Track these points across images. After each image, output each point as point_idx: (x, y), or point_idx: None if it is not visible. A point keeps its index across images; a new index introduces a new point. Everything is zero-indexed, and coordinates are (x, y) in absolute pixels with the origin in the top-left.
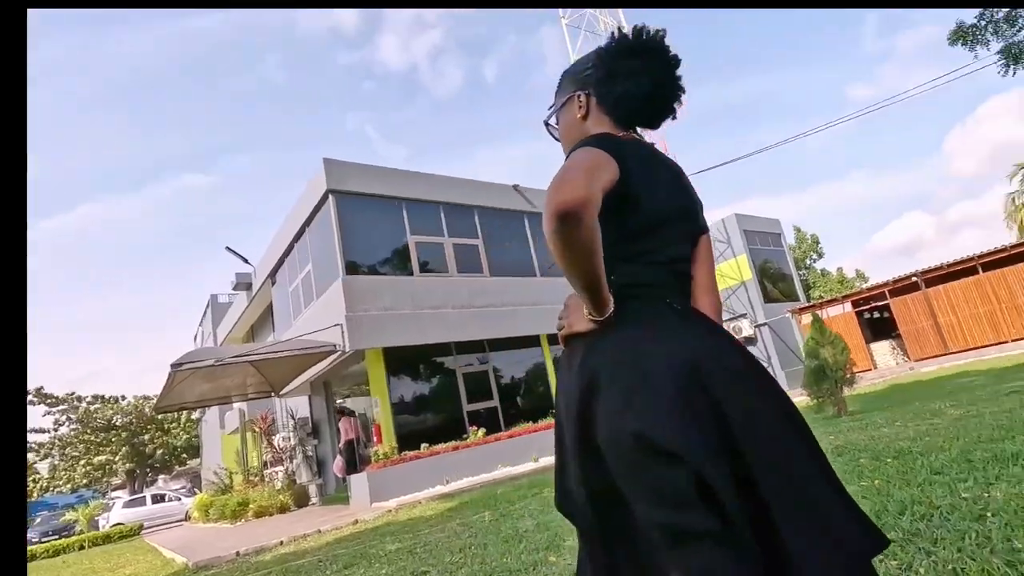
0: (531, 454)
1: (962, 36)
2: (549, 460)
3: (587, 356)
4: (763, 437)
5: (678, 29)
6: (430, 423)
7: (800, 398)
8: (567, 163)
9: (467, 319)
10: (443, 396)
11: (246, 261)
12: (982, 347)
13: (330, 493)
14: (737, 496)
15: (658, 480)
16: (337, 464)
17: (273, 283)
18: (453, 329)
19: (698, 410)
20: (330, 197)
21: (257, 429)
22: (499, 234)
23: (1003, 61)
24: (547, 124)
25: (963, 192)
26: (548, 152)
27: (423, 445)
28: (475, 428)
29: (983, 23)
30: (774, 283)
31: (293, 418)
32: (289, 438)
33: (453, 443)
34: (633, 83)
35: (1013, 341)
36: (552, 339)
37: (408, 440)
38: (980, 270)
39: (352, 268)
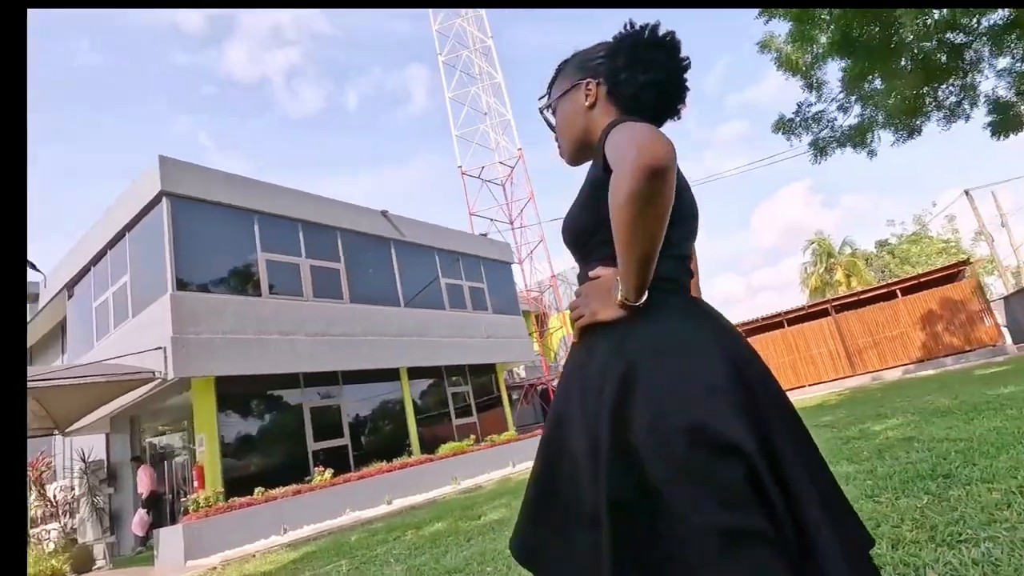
0: (384, 496)
1: (783, 127)
2: (405, 501)
3: (621, 346)
4: (787, 435)
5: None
6: (269, 464)
7: None
8: (635, 128)
9: (320, 347)
10: (286, 433)
11: (35, 268)
12: (787, 390)
13: (125, 554)
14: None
15: (714, 477)
16: (137, 520)
17: (70, 296)
18: (303, 358)
19: (744, 404)
20: (164, 200)
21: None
22: (363, 259)
23: (812, 152)
24: (543, 111)
25: (764, 260)
26: (405, 188)
27: (257, 490)
28: (321, 469)
29: (798, 119)
30: None
31: (84, 461)
32: (73, 486)
33: (294, 486)
34: (655, 74)
35: (810, 385)
36: (414, 373)
37: (239, 484)
38: (785, 324)
39: (183, 284)
